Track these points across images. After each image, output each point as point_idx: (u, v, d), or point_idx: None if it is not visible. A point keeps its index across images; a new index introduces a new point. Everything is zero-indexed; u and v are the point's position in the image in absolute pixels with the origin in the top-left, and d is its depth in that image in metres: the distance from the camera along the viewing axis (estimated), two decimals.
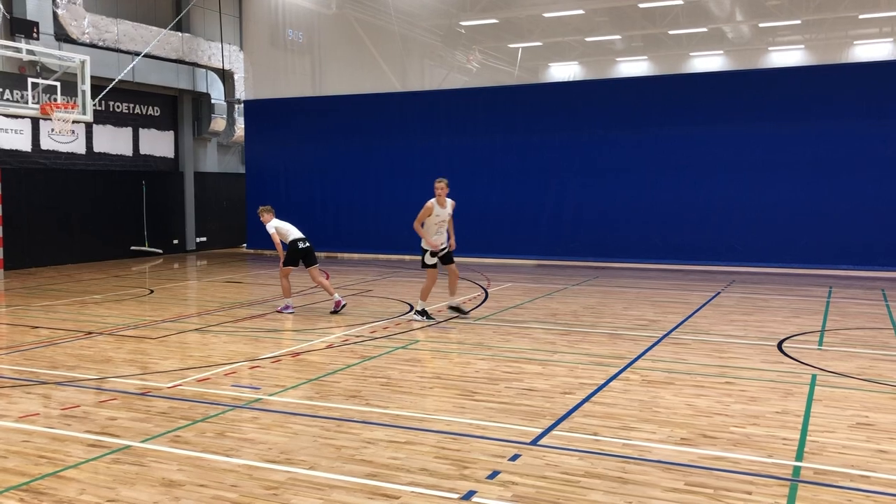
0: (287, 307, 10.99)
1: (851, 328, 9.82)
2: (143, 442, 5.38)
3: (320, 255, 20.39)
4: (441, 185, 10.12)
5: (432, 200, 10.08)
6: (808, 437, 5.45)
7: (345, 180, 20.28)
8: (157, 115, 21.22)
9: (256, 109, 21.68)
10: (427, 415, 6.02)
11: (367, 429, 5.66)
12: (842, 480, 4.65)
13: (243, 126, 22.31)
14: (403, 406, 6.25)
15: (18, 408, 6.24)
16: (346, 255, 20.18)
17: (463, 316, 10.53)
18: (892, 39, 29.35)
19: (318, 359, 8.03)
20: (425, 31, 28.57)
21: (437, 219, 10.12)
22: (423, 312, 10.33)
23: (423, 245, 10.20)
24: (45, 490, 4.53)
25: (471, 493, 4.46)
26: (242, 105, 22.30)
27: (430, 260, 10.24)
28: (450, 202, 10.27)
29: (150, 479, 4.68)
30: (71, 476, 4.75)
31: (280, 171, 21.03)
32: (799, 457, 5.08)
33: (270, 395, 6.63)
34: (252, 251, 21.42)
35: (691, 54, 33.06)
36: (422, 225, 10.10)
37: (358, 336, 9.24)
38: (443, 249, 10.29)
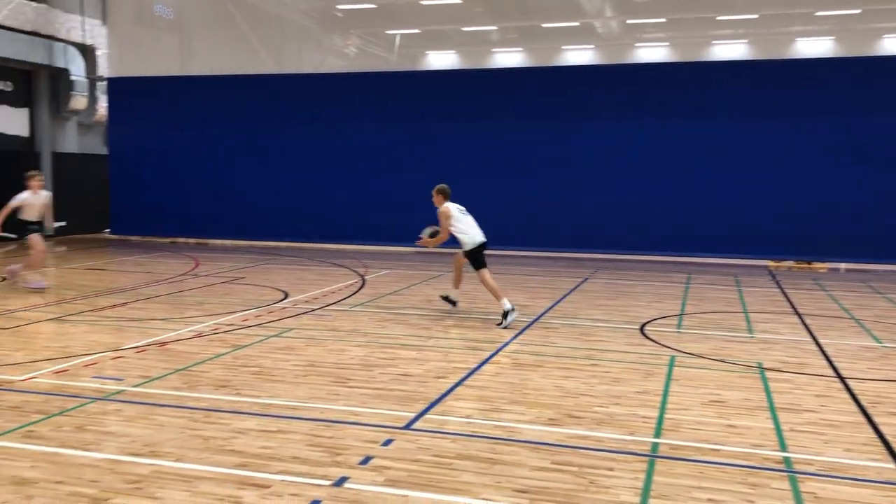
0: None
1: (707, 312, 10.45)
2: None
3: (190, 240, 19.79)
4: None
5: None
6: (665, 415, 5.76)
7: (215, 163, 19.62)
8: (9, 90, 19.80)
9: (121, 88, 20.59)
10: (300, 403, 5.95)
11: (238, 419, 5.54)
12: (695, 454, 4.95)
13: (106, 105, 21.16)
14: (275, 395, 6.15)
15: None
16: (217, 242, 19.58)
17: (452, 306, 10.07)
18: (745, 40, 31.28)
19: (185, 348, 7.76)
20: (302, 13, 27.97)
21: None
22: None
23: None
24: None
25: (343, 480, 4.45)
26: (106, 83, 21.15)
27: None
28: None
29: None
30: None
31: (146, 153, 20.08)
32: (657, 433, 5.36)
33: (134, 386, 6.36)
34: (116, 237, 20.39)
35: (563, 47, 34.02)
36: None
37: (229, 325, 9.00)
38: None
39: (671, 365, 7.33)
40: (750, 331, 9.15)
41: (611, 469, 4.68)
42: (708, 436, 5.31)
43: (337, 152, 18.84)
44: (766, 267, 16.04)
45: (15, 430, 5.22)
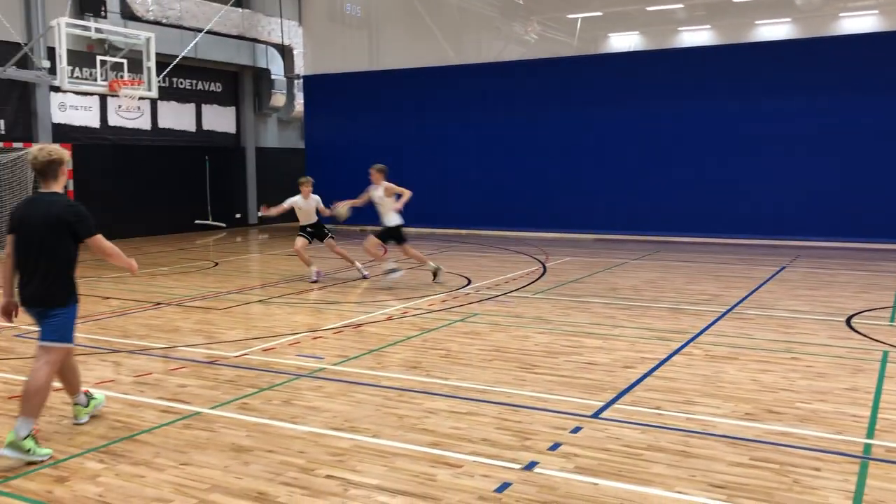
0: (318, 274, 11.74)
1: None
2: (212, 408, 5.54)
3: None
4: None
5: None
6: (879, 415, 5.32)
7: (402, 154, 20.28)
8: (218, 91, 21.57)
9: (315, 84, 21.86)
10: (487, 386, 6.06)
11: (429, 399, 5.73)
12: None
13: (302, 101, 22.53)
14: (463, 378, 6.31)
15: (94, 374, 6.48)
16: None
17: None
18: None
19: (378, 330, 8.13)
20: (483, 1, 28.28)
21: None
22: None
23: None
24: (122, 452, 4.72)
25: (533, 464, 4.48)
26: (301, 80, 22.50)
27: None
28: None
29: (220, 445, 4.83)
30: (145, 440, 4.93)
31: (339, 146, 21.19)
32: (870, 434, 4.96)
33: (333, 364, 6.75)
34: None
35: (756, 22, 32.02)
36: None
37: (416, 309, 9.32)
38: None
39: (884, 361, 6.74)
40: None
41: (817, 469, 4.39)
42: None
43: (516, 140, 18.92)
44: None
45: (231, 401, 5.71)
